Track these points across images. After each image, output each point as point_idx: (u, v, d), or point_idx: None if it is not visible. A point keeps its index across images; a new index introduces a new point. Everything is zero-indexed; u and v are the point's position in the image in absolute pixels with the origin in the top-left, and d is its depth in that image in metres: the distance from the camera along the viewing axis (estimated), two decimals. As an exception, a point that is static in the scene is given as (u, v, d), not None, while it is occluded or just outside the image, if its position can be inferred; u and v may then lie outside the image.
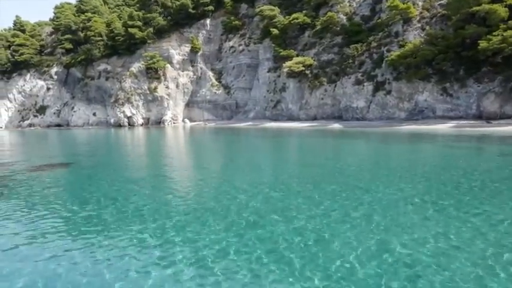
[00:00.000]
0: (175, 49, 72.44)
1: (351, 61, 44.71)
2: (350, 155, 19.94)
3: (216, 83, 69.43)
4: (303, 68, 49.99)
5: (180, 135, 42.13)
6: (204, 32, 73.07)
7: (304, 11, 56.21)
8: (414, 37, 38.95)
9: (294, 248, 6.27)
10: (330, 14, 51.77)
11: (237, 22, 69.05)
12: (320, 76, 49.23)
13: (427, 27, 38.51)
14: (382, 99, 40.15)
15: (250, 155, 21.04)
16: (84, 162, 18.38)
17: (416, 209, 8.25)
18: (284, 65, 52.12)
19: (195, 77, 71.48)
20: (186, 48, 72.59)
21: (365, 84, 41.93)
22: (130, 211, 8.72)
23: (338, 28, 51.62)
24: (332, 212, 8.19)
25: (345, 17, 52.16)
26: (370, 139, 27.50)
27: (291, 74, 52.68)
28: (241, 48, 68.28)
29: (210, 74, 70.55)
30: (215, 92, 68.49)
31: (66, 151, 26.01)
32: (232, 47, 69.83)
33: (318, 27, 53.51)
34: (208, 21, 72.94)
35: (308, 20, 54.48)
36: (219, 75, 70.98)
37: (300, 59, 51.30)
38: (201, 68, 71.23)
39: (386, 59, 39.53)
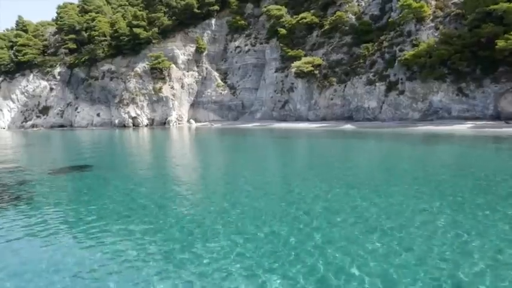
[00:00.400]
0: (180, 49, 71.80)
1: (361, 61, 44.13)
2: (377, 156, 19.33)
3: (222, 83, 68.81)
4: (312, 68, 49.38)
5: (188, 137, 41.49)
6: (209, 32, 72.45)
7: (312, 11, 55.60)
8: (428, 36, 38.35)
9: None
10: (338, 13, 51.21)
11: (242, 22, 68.47)
12: (329, 76, 48.63)
13: (441, 27, 37.92)
14: (395, 99, 39.54)
15: (272, 158, 20.41)
16: (104, 164, 17.74)
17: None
18: (292, 65, 51.51)
19: (200, 77, 70.84)
20: (191, 48, 71.97)
21: (377, 84, 41.33)
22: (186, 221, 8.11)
23: (347, 28, 51.05)
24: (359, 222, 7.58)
25: (353, 17, 51.57)
26: (391, 140, 26.89)
27: (300, 74, 52.05)
28: (247, 48, 67.68)
29: (216, 74, 69.92)
30: (221, 93, 67.86)
31: (81, 153, 25.36)
32: (238, 47, 69.22)
33: (327, 26, 52.95)
34: (213, 21, 72.31)
35: (316, 20, 53.91)
36: (224, 75, 70.37)
37: (308, 58, 50.70)
38: (206, 68, 70.61)
39: (399, 58, 38.93)
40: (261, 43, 66.23)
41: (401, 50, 39.70)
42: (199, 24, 72.53)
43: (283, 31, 56.28)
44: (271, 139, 32.49)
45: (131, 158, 21.70)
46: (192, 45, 71.97)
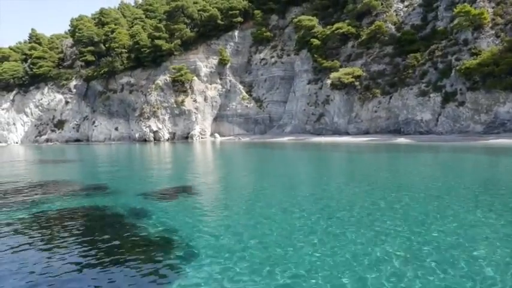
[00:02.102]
0: (203, 61, 69.76)
1: (410, 71, 41.83)
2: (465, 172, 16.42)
3: (247, 96, 66.46)
4: (353, 79, 47.08)
5: (220, 152, 38.38)
6: (231, 43, 70.61)
7: (346, 21, 53.73)
8: (488, 44, 36.19)
9: None
10: (378, 23, 49.35)
11: (268, 33, 66.72)
12: (372, 87, 46.29)
13: (502, 34, 35.80)
14: (453, 111, 37.03)
15: (347, 175, 17.36)
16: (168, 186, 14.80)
17: None
18: (331, 76, 49.28)
19: (223, 90, 68.50)
20: (214, 60, 69.95)
21: (431, 95, 38.90)
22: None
23: (386, 38, 49.11)
24: None
25: (393, 27, 49.72)
26: (470, 153, 24.10)
27: (337, 86, 49.79)
28: (273, 60, 65.73)
29: (240, 86, 67.64)
30: (246, 106, 65.42)
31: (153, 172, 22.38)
32: (263, 59, 67.28)
33: (364, 37, 51.01)
34: (236, 32, 70.57)
35: (353, 30, 51.98)
36: (249, 88, 68.13)
37: (348, 69, 48.49)
38: (230, 81, 68.37)
39: (457, 67, 36.62)
40: (289, 55, 64.38)
41: (458, 59, 37.45)
42: (222, 36, 70.76)
43: (316, 42, 54.28)
44: (319, 153, 29.62)
45: (181, 175, 18.80)
46: (215, 57, 69.97)
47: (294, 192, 12.52)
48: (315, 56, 53.89)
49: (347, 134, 48.33)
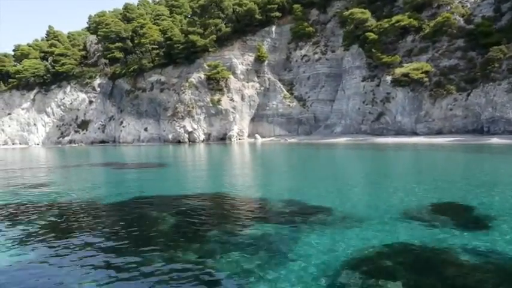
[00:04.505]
0: (238, 58, 65.87)
1: (496, 65, 38.17)
2: None
3: (289, 94, 62.59)
4: (423, 75, 43.41)
5: (271, 154, 34.36)
6: (268, 40, 66.83)
7: (406, 13, 50.11)
8: None
9: None
10: (445, 14, 45.79)
11: (310, 29, 62.98)
12: (444, 84, 42.63)
13: None
14: (555, 107, 33.44)
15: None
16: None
17: None
18: (396, 71, 45.60)
19: (262, 88, 64.59)
20: (250, 57, 66.09)
21: (526, 90, 35.27)
22: None
23: (454, 31, 45.54)
24: None
25: (461, 18, 46.17)
26: None
27: (399, 83, 46.11)
28: (316, 56, 61.98)
29: (280, 85, 63.77)
30: (288, 105, 61.54)
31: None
32: (305, 55, 63.53)
33: (427, 30, 47.44)
34: (273, 28, 66.85)
35: (415, 23, 48.35)
36: (289, 86, 64.29)
37: (416, 65, 44.83)
38: (268, 79, 64.48)
39: (559, 60, 33.02)
40: (333, 51, 60.74)
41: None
42: (258, 31, 66.97)
43: (372, 36, 50.56)
44: (416, 153, 25.87)
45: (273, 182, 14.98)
46: (251, 54, 66.14)
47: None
48: (373, 51, 50.08)
49: (414, 134, 44.57)
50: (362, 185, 14.35)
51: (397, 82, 46.45)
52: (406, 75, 44.20)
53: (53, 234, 8.26)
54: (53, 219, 9.71)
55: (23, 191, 14.72)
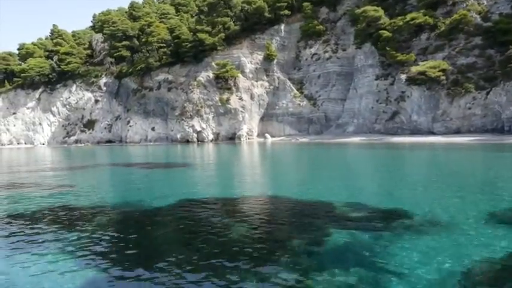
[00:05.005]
0: (247, 57, 65.04)
1: (518, 62, 37.36)
2: None
3: (299, 93, 61.73)
4: (440, 73, 42.57)
5: (293, 154, 33.29)
6: (277, 38, 65.94)
7: (421, 11, 49.24)
8: None
9: None
10: (462, 12, 44.96)
11: (320, 27, 62.09)
12: (462, 82, 41.80)
13: None
14: None
15: None
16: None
17: None
18: (412, 69, 44.76)
19: (271, 87, 63.75)
20: (259, 56, 65.27)
21: (550, 89, 34.46)
22: None
23: (471, 28, 44.71)
24: None
25: (478, 16, 45.34)
26: None
27: (415, 81, 45.28)
28: (327, 55, 61.10)
29: (290, 84, 62.91)
30: (299, 104, 60.67)
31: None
32: (315, 54, 62.66)
33: (443, 28, 46.61)
34: (282, 26, 65.95)
35: (430, 20, 47.50)
36: (298, 85, 63.41)
37: (432, 63, 44.01)
38: (278, 78, 63.65)
39: None
40: (344, 49, 59.87)
41: None
42: (267, 30, 66.10)
43: (386, 34, 49.72)
44: (446, 153, 25.00)
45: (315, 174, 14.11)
46: (260, 52, 65.31)
47: None
48: (387, 49, 49.22)
49: (430, 133, 43.72)
50: (425, 185, 13.28)
51: (412, 80, 45.63)
52: (422, 73, 43.38)
53: (107, 238, 7.41)
54: (107, 223, 8.87)
55: (71, 195, 13.86)
